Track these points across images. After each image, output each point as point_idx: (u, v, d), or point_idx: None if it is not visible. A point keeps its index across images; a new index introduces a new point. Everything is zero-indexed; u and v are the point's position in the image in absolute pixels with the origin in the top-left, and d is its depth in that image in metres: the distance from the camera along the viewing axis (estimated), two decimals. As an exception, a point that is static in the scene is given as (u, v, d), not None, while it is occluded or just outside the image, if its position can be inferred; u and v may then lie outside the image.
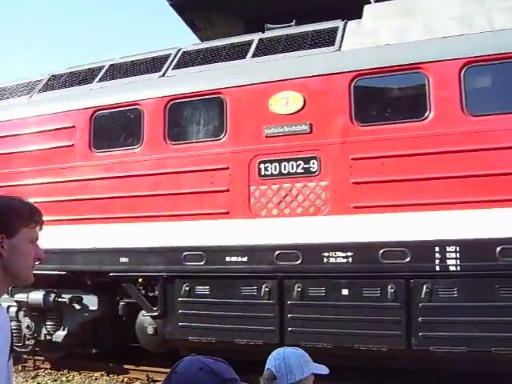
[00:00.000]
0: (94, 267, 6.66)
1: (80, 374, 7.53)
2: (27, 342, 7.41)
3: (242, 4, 9.09)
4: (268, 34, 6.70)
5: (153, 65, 6.99)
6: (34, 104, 7.47)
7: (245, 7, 9.16)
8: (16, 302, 7.28)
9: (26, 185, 7.20)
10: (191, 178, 6.23)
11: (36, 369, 7.80)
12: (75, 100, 7.07)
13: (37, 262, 1.73)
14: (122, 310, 6.83)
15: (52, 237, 6.83)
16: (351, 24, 6.33)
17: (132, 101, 6.63)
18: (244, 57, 6.45)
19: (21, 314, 7.38)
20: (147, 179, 6.44)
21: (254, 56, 6.40)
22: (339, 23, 6.39)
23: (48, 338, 7.18)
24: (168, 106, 6.43)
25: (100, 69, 7.39)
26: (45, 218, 6.94)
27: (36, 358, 7.81)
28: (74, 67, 7.77)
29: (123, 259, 6.47)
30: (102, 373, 7.45)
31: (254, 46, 6.53)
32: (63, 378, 7.45)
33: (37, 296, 7.03)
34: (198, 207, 6.16)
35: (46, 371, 7.73)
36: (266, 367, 2.05)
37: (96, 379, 7.35)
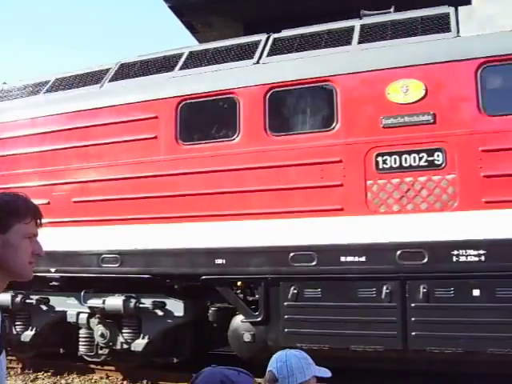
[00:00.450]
0: (185, 270, 6.20)
1: (79, 376, 7.38)
2: (100, 352, 6.91)
3: (241, 6, 9.07)
4: (369, 21, 6.36)
5: (241, 51, 6.59)
6: (106, 94, 7.00)
7: (243, 10, 9.14)
8: (89, 308, 6.77)
9: (98, 180, 6.73)
10: (298, 172, 5.85)
11: (35, 372, 7.61)
12: (156, 89, 6.62)
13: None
14: (213, 316, 6.39)
15: (133, 237, 6.41)
16: (463, 10, 6.04)
17: (225, 89, 6.23)
18: (349, 43, 6.10)
19: (93, 321, 6.86)
20: (246, 173, 6.04)
21: (360, 42, 6.07)
22: (449, 9, 6.10)
23: (125, 346, 6.69)
24: (268, 94, 6.04)
25: (179, 56, 6.96)
26: (123, 217, 6.54)
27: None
28: (145, 55, 7.32)
29: (219, 261, 6.03)
30: (102, 375, 7.31)
31: (357, 32, 6.19)
32: (62, 381, 7.30)
33: (115, 302, 6.54)
34: (306, 203, 5.78)
35: (46, 374, 7.57)
36: (267, 369, 2.03)
37: (95, 382, 7.23)
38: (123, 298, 6.51)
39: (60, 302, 7.11)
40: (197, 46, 7.04)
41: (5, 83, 8.67)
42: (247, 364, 5.72)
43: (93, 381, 7.28)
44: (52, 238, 6.86)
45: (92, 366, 7.36)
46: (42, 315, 7.26)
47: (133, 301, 6.50)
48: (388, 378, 6.17)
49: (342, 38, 6.21)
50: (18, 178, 7.27)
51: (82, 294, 6.78)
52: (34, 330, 7.29)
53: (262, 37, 6.71)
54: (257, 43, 6.63)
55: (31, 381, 7.41)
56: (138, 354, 6.68)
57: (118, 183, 6.63)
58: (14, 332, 7.43)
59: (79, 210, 6.80)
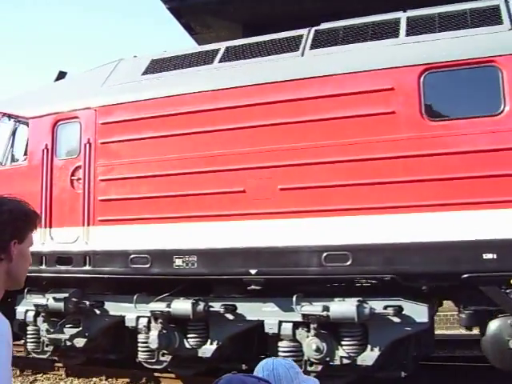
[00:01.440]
0: (442, 267, 5.31)
1: (79, 378, 7.31)
2: (309, 369, 5.87)
3: (239, 8, 9.16)
4: None
5: (480, 16, 5.81)
6: (313, 62, 6.04)
7: (241, 11, 9.25)
8: (303, 316, 5.73)
9: (312, 164, 5.74)
10: None
11: (34, 373, 7.64)
12: (388, 56, 5.73)
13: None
14: (468, 321, 5.54)
15: (368, 229, 5.52)
16: None
17: (482, 57, 5.42)
18: None
19: (301, 332, 5.85)
20: (516, 153, 5.24)
21: None
22: None
23: (345, 361, 5.72)
24: (539, 62, 5.29)
25: (395, 22, 6.09)
26: (351, 206, 5.89)
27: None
28: (341, 22, 6.40)
29: (488, 255, 5.19)
30: (101, 377, 7.22)
31: None
32: (61, 383, 7.28)
33: (345, 308, 5.55)
34: None
35: (45, 376, 7.56)
36: None
37: (95, 384, 7.27)
38: (356, 302, 5.53)
39: (252, 310, 6.05)
40: (413, 12, 6.19)
41: (135, 56, 7.52)
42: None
43: (92, 382, 7.15)
44: (249, 233, 5.87)
45: (90, 367, 7.25)
46: (225, 325, 6.17)
47: (366, 306, 5.54)
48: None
49: None
50: (193, 162, 6.18)
51: (294, 298, 5.74)
52: (214, 343, 6.17)
53: (498, 1, 5.96)
54: (495, 8, 5.87)
55: (30, 382, 7.32)
56: (360, 369, 5.73)
57: (339, 166, 5.67)
58: (188, 346, 6.29)
59: (289, 199, 5.78)
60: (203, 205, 6.09)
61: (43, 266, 6.84)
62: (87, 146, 6.73)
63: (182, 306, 6.14)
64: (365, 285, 6.29)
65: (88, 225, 6.61)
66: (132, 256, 6.34)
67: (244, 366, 6.36)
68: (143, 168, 6.37)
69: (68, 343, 6.88)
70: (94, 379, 7.24)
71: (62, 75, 7.82)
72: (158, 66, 6.91)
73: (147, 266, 6.27)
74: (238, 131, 6.05)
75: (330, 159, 5.72)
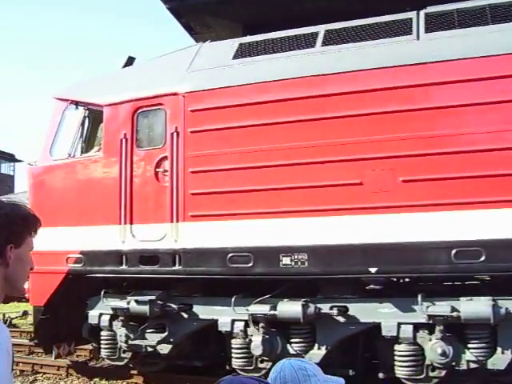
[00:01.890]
0: None
1: (79, 378, 7.30)
2: (431, 374, 5.47)
3: (239, 8, 8.96)
4: None
5: None
6: (431, 45, 5.63)
7: (241, 11, 9.08)
8: (429, 316, 5.31)
9: (433, 154, 5.35)
10: None
11: (34, 373, 7.68)
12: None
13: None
14: None
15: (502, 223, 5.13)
16: None
17: None
18: None
19: (423, 335, 5.43)
20: None
21: None
22: None
23: (472, 366, 5.33)
24: None
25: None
26: (478, 199, 5.15)
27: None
28: (455, 4, 6.02)
29: None
30: (101, 377, 7.17)
31: None
32: (62, 383, 7.30)
33: (478, 308, 5.15)
34: None
35: (45, 376, 7.56)
36: None
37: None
38: (490, 302, 5.14)
39: (366, 311, 5.62)
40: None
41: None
42: None
43: (92, 382, 7.12)
44: (367, 228, 5.44)
45: (91, 367, 7.36)
46: (335, 329, 5.72)
47: (502, 306, 5.15)
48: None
49: None
50: (302, 152, 5.71)
51: (420, 298, 5.33)
52: (323, 348, 5.71)
53: None
54: None
55: (30, 382, 7.32)
56: (485, 373, 5.36)
57: (470, 156, 5.27)
58: (292, 351, 5.83)
59: (412, 192, 5.37)
60: (314, 198, 5.62)
61: (124, 266, 6.28)
62: (174, 134, 6.19)
63: (290, 308, 5.66)
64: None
65: (177, 221, 6.08)
66: (231, 254, 5.83)
67: (351, 372, 5.91)
68: (244, 158, 5.87)
69: (149, 349, 6.33)
70: (95, 379, 7.12)
71: (130, 61, 7.26)
72: (249, 49, 6.41)
73: (249, 265, 5.77)
74: (352, 119, 5.61)
75: (460, 149, 5.32)
